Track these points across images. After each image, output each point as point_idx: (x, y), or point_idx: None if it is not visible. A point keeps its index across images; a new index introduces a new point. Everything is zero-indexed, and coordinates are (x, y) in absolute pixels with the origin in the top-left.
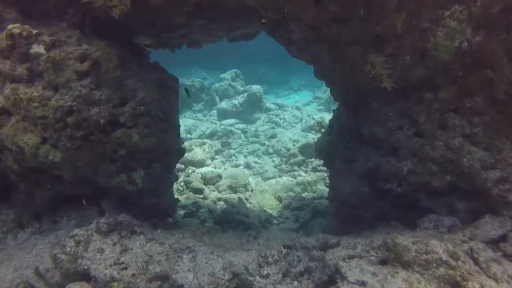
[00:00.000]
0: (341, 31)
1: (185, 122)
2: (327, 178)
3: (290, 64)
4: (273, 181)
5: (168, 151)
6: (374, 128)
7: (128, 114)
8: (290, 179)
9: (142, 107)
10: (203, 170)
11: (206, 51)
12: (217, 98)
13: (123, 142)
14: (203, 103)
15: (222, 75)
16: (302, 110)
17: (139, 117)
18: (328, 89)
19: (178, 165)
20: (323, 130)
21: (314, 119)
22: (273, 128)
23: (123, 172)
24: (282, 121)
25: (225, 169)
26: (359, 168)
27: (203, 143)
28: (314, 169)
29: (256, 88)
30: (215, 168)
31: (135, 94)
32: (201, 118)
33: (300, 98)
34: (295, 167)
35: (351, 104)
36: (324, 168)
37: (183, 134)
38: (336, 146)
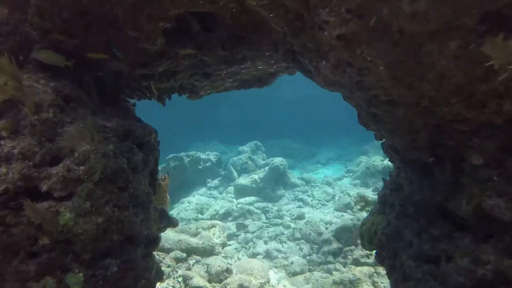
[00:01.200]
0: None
1: (198, 200)
2: (376, 275)
3: (317, 136)
4: (300, 277)
5: (131, 239)
6: (483, 201)
7: (56, 179)
8: (324, 275)
9: (81, 167)
10: (211, 260)
11: (226, 125)
12: (235, 173)
13: (46, 224)
14: (219, 178)
15: (240, 148)
16: (334, 186)
17: (77, 184)
18: (363, 161)
19: (178, 254)
20: (368, 208)
21: (350, 195)
22: (300, 207)
23: (49, 274)
24: (311, 198)
25: (238, 259)
26: (456, 277)
27: (213, 226)
28: (357, 262)
29: (279, 160)
30: (226, 257)
31: (74, 147)
32: (216, 196)
33: (330, 172)
34: (330, 258)
35: (421, 163)
36: (371, 261)
37: (193, 214)
38: (400, 232)
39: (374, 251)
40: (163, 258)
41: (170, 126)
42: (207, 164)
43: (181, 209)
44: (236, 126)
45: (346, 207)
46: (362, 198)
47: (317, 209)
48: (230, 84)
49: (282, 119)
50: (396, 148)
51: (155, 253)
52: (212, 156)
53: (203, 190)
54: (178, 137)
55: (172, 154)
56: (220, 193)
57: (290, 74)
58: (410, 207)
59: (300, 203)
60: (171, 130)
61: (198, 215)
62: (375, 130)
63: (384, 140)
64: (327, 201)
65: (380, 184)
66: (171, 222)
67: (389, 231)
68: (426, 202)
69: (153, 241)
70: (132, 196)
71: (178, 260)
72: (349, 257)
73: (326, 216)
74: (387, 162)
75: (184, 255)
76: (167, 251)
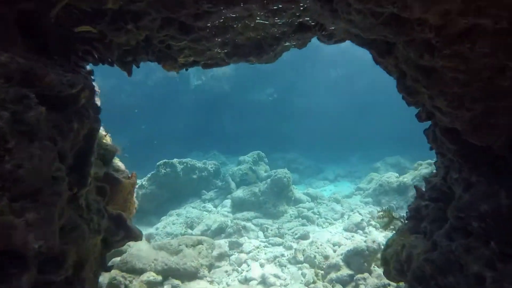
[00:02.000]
0: None
1: (189, 213)
2: None
3: (325, 151)
4: None
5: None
6: None
7: None
8: None
9: None
10: (193, 286)
11: (228, 134)
12: (233, 185)
13: None
14: (215, 190)
15: (241, 158)
16: (343, 203)
17: None
18: (374, 178)
19: (152, 277)
20: (393, 225)
21: (361, 213)
22: (304, 225)
23: None
24: (317, 216)
25: (228, 285)
26: None
27: (200, 242)
28: None
29: (282, 172)
30: (212, 282)
31: None
32: (210, 209)
33: (338, 189)
34: (338, 287)
35: (492, 155)
36: None
37: (181, 228)
38: (457, 260)
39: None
40: (131, 281)
41: (168, 134)
42: (203, 174)
43: (168, 223)
44: (239, 136)
45: (357, 227)
46: (386, 213)
47: (323, 228)
48: (219, 49)
49: (289, 132)
50: (453, 131)
51: (119, 274)
52: (210, 165)
53: (196, 202)
54: (176, 146)
55: (163, 160)
56: (215, 207)
57: (298, 47)
58: (474, 222)
59: (304, 220)
60: (170, 138)
61: (187, 230)
62: (425, 101)
63: (430, 124)
64: (335, 219)
65: (394, 203)
66: (131, 234)
67: (438, 258)
68: (504, 215)
69: (54, 261)
70: (9, 177)
71: (150, 284)
72: (362, 286)
73: (334, 237)
74: (403, 179)
75: (160, 278)
76: (139, 272)
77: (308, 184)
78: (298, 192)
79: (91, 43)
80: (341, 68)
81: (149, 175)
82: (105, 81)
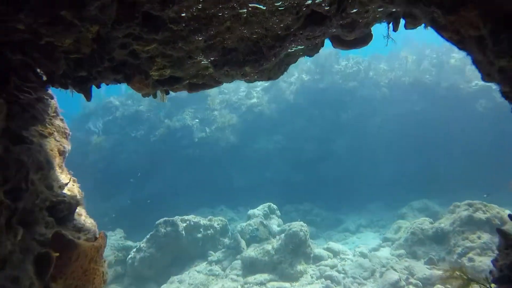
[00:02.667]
0: None
1: (193, 278)
2: None
3: (342, 199)
4: None
5: None
6: None
7: None
8: None
9: None
10: None
11: (236, 188)
12: (243, 243)
13: None
14: (223, 250)
15: (251, 211)
16: (371, 258)
17: None
18: (403, 226)
19: None
20: None
21: (396, 269)
22: (328, 287)
23: None
24: (343, 275)
25: None
26: None
27: None
28: None
29: (298, 225)
30: None
31: None
32: (217, 273)
33: (362, 242)
34: None
35: None
36: None
37: None
38: None
39: None
40: None
41: (172, 190)
42: (209, 232)
43: None
44: (248, 189)
45: (394, 287)
46: (457, 268)
47: None
48: (203, 57)
49: (300, 180)
50: None
51: None
52: (216, 221)
53: (202, 265)
54: (181, 203)
55: (163, 218)
56: (224, 269)
57: (309, 53)
58: None
59: (328, 281)
60: (174, 195)
61: None
62: None
63: None
64: (364, 278)
65: (434, 254)
66: None
67: None
68: None
69: None
70: None
71: None
72: None
73: None
74: (439, 224)
75: None
76: None
77: (327, 238)
78: (317, 247)
79: (23, 49)
80: (351, 110)
81: (148, 236)
82: (108, 138)
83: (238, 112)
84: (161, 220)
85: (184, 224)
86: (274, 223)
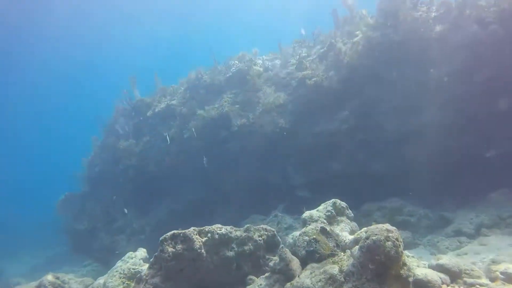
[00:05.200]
0: None
1: None
2: None
3: (444, 187)
4: None
5: None
6: None
7: None
8: None
9: None
10: None
11: (294, 186)
12: (295, 263)
13: None
14: (267, 275)
15: (307, 214)
16: None
17: None
18: None
19: None
20: None
21: None
22: None
23: None
24: None
25: None
26: None
27: None
28: None
29: (381, 231)
30: None
31: None
32: None
33: (491, 251)
34: None
35: None
36: None
37: None
38: None
39: None
40: None
41: (220, 192)
42: (246, 248)
43: None
44: (311, 188)
45: None
46: None
47: None
48: None
49: (381, 169)
50: None
51: None
52: (257, 233)
53: None
54: (227, 212)
55: (171, 232)
56: None
57: None
58: None
59: None
60: (218, 203)
61: None
62: None
63: None
64: None
65: None
66: None
67: None
68: None
69: None
70: None
71: None
72: None
73: None
74: None
75: None
76: None
77: (431, 246)
78: (418, 264)
79: None
80: (445, 65)
81: (151, 260)
82: (138, 141)
83: (288, 89)
84: (168, 234)
85: (204, 239)
86: (345, 229)
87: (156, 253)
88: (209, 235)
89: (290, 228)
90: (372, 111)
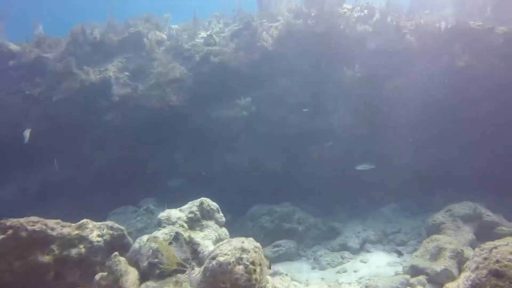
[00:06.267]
0: None
1: None
2: None
3: (339, 198)
4: None
5: None
6: None
7: None
8: None
9: None
10: None
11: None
12: (131, 278)
13: None
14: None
15: (164, 213)
16: None
17: None
18: (443, 247)
19: None
20: None
21: None
22: None
23: None
24: None
25: None
26: None
27: None
28: None
29: (235, 248)
30: None
31: None
32: None
33: (371, 270)
34: None
35: None
36: None
37: None
38: None
39: None
40: None
41: (92, 175)
42: (75, 252)
43: None
44: (197, 181)
45: None
46: None
47: None
48: None
49: (279, 169)
50: None
51: None
52: (97, 231)
53: None
54: (105, 195)
55: None
56: None
57: None
58: None
59: None
60: (96, 183)
61: None
62: None
63: None
64: None
65: None
66: None
67: None
68: None
69: None
70: None
71: None
72: None
73: None
74: None
75: None
76: None
77: (314, 260)
78: (288, 286)
79: None
80: (361, 65)
81: None
82: None
83: (190, 63)
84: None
85: (1, 237)
86: (209, 237)
87: None
88: (10, 231)
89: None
90: (278, 102)
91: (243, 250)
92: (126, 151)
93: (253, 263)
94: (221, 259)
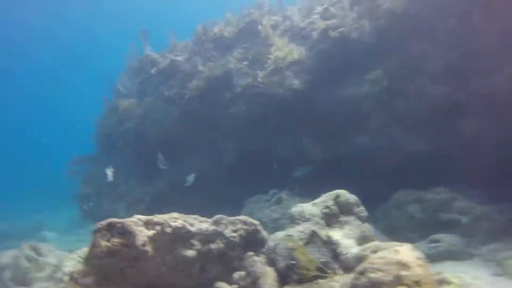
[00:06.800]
0: None
1: None
2: None
3: None
4: None
5: None
6: None
7: None
8: None
9: None
10: None
11: (313, 164)
12: (269, 279)
13: None
14: None
15: (297, 208)
16: None
17: None
18: None
19: None
20: None
21: None
22: None
23: None
24: None
25: None
26: None
27: None
28: None
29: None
30: None
31: None
32: None
33: None
34: None
35: None
36: None
37: None
38: None
39: None
40: None
41: (225, 166)
42: (214, 247)
43: None
44: (331, 167)
45: None
46: None
47: None
48: None
49: (425, 149)
50: None
51: None
52: (232, 228)
53: None
54: (239, 185)
55: (109, 220)
56: None
57: None
58: None
59: None
60: (230, 174)
61: None
62: None
63: None
64: None
65: None
66: None
67: None
68: None
69: None
70: None
71: None
72: None
73: None
74: None
75: None
76: None
77: (495, 262)
78: None
79: None
80: None
81: (87, 253)
82: (141, 101)
83: (308, 42)
84: (103, 223)
85: (152, 232)
86: (350, 235)
87: (89, 247)
88: (157, 227)
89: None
90: (415, 72)
91: (402, 264)
92: (253, 141)
93: (418, 283)
94: (373, 276)
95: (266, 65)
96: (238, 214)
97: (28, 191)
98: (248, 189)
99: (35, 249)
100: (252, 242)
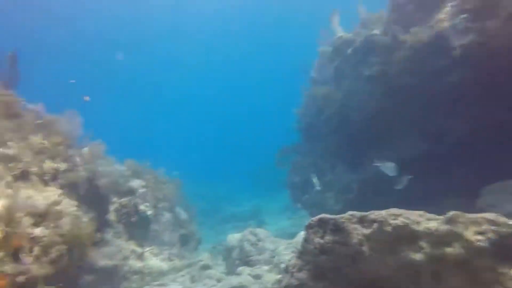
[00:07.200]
0: None
1: None
2: None
3: None
4: None
5: None
6: None
7: None
8: None
9: None
10: None
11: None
12: None
13: None
14: None
15: None
16: None
17: None
18: None
19: None
20: None
21: None
22: None
23: None
24: None
25: None
26: None
27: None
28: None
29: None
30: None
31: None
32: None
33: None
34: None
35: None
36: None
37: None
38: None
39: None
40: None
41: (449, 148)
42: (449, 251)
43: None
44: None
45: None
46: None
47: None
48: None
49: None
50: None
51: None
52: (475, 229)
53: None
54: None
55: (319, 216)
56: None
57: None
58: None
59: None
60: (458, 157)
61: None
62: None
63: None
64: None
65: None
66: None
67: None
68: None
69: None
70: None
71: None
72: None
73: None
74: None
75: None
76: None
77: None
78: None
79: None
80: None
81: (299, 247)
82: (338, 86)
83: None
84: (314, 219)
85: (368, 231)
86: None
87: (303, 241)
88: (375, 225)
89: None
90: None
91: None
92: (488, 114)
93: None
94: None
95: (496, 12)
96: (471, 207)
97: (248, 179)
98: (484, 173)
99: (255, 234)
100: (508, 249)
